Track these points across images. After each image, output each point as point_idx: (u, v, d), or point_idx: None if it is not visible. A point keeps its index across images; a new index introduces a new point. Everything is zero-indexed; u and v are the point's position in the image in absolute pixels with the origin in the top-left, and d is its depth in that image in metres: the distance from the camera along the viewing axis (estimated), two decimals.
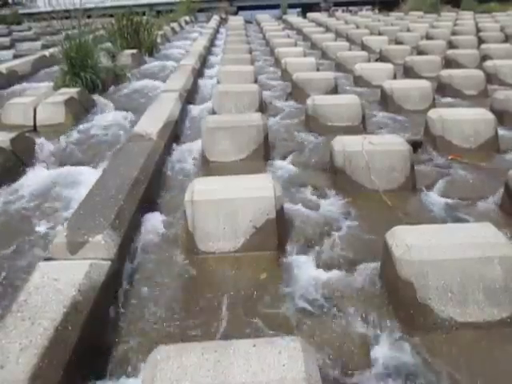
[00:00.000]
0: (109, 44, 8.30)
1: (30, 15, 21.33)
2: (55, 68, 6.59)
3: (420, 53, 8.26)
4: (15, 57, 9.22)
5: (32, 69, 7.70)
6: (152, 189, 3.11)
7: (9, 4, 22.43)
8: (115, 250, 2.24)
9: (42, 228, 2.83)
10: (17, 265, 2.45)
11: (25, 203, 3.15)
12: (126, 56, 7.73)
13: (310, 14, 17.38)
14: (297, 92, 5.61)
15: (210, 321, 2.01)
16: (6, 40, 12.74)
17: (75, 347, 1.69)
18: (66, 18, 6.88)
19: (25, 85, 6.72)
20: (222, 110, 4.76)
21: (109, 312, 2.04)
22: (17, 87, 6.58)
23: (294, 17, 17.52)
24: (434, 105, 4.94)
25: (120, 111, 5.11)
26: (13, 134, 3.74)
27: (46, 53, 8.71)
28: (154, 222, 2.79)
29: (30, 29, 16.13)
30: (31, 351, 1.58)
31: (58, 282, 1.92)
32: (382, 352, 1.81)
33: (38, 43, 11.54)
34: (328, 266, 2.35)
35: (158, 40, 10.14)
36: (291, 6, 21.02)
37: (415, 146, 3.62)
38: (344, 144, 3.23)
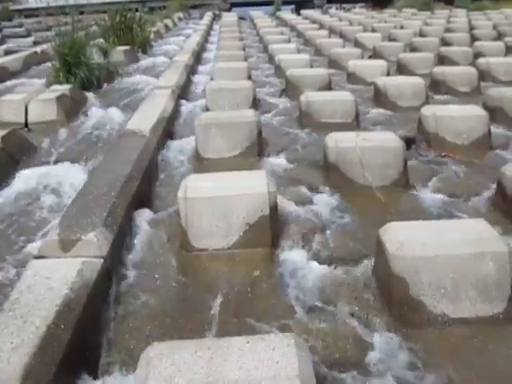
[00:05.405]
0: (101, 40, 8.25)
1: (21, 11, 21.14)
2: (47, 65, 6.53)
3: (413, 50, 8.27)
4: (6, 53, 9.12)
5: (23, 65, 7.62)
6: (145, 186, 3.09)
7: None
8: (108, 248, 2.22)
9: (34, 226, 2.81)
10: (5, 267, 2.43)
11: (17, 201, 3.13)
12: (119, 52, 7.68)
13: (303, 11, 17.37)
14: (290, 89, 5.61)
15: (203, 318, 2.00)
16: None
17: (67, 346, 1.67)
18: (61, 13, 6.83)
19: (16, 82, 6.66)
20: (216, 106, 4.74)
21: (101, 310, 2.02)
22: (8, 84, 6.51)
23: (287, 14, 17.49)
24: (427, 102, 4.95)
25: (113, 108, 5.07)
26: (4, 132, 3.70)
27: (38, 49, 8.63)
28: (147, 219, 2.78)
29: (21, 25, 15.99)
30: (23, 350, 1.56)
31: (50, 280, 1.91)
32: (375, 348, 1.82)
33: (30, 39, 11.44)
34: (321, 262, 2.35)
35: (151, 36, 10.07)
36: (285, 3, 20.94)
37: (408, 142, 3.63)
38: (337, 140, 3.22)
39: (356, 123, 4.37)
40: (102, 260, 2.13)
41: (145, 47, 9.12)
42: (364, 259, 2.35)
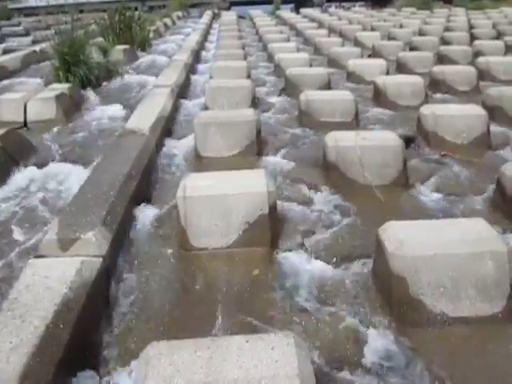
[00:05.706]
0: (101, 39, 8.24)
1: (20, 10, 21.08)
2: (46, 64, 6.51)
3: (413, 49, 8.26)
4: (5, 52, 9.10)
5: (22, 64, 7.60)
6: (144, 185, 3.09)
7: None
8: (107, 247, 2.22)
9: (33, 226, 2.81)
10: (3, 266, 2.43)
11: (17, 200, 3.12)
12: (119, 51, 7.66)
13: (303, 10, 17.35)
14: (290, 87, 5.60)
15: (203, 317, 2.00)
16: None
17: (66, 345, 1.67)
18: (60, 12, 6.82)
19: (15, 80, 6.64)
20: (215, 105, 4.74)
21: (100, 309, 2.02)
22: (6, 83, 6.50)
23: (287, 12, 17.47)
24: (426, 101, 4.95)
25: (112, 107, 5.07)
26: (2, 131, 3.68)
27: (37, 48, 8.62)
28: (146, 218, 2.78)
29: (19, 24, 15.95)
30: (22, 350, 1.56)
31: (49, 280, 1.90)
32: (374, 348, 1.81)
33: (29, 38, 11.40)
34: (321, 261, 2.35)
35: (151, 35, 10.06)
36: (284, 2, 20.91)
37: (408, 141, 3.63)
38: (337, 139, 3.22)
39: (355, 122, 4.36)
40: (101, 259, 2.13)
41: (144, 46, 9.11)
42: (363, 258, 2.35)
